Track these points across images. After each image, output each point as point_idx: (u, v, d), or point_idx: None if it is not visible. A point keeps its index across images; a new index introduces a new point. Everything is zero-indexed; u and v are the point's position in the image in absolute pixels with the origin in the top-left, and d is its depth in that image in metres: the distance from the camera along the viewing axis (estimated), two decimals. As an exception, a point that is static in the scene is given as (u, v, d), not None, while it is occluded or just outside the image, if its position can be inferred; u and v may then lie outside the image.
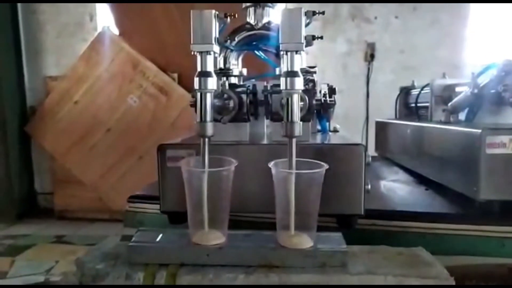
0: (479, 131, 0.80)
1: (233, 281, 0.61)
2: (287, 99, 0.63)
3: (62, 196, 3.15)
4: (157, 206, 0.83)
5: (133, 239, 0.66)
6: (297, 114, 0.63)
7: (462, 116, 1.08)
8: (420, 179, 1.13)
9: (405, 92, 1.55)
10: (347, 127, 1.36)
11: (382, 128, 1.57)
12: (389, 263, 0.64)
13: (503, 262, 0.85)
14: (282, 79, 0.62)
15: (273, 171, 0.65)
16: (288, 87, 0.61)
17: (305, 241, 0.63)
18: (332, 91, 0.87)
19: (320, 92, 0.89)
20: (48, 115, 3.10)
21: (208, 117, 0.65)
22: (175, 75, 2.93)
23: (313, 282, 0.60)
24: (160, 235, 0.67)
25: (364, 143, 0.82)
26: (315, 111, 0.89)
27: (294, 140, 0.64)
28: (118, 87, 2.95)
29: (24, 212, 3.19)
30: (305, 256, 0.63)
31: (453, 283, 0.59)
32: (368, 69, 3.05)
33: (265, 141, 0.85)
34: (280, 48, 0.63)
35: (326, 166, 0.63)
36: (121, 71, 2.96)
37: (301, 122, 0.64)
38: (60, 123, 3.05)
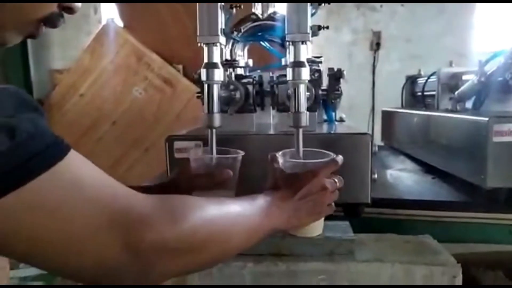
0: (486, 119, 0.80)
1: (242, 269, 0.62)
2: (294, 90, 0.63)
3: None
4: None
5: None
6: (303, 104, 0.63)
7: (469, 104, 1.07)
8: (427, 168, 1.13)
9: (411, 81, 1.54)
10: (353, 117, 1.36)
11: (388, 117, 1.57)
12: (396, 250, 0.65)
13: (510, 249, 0.86)
14: (289, 70, 0.62)
15: (280, 161, 0.65)
16: (295, 78, 0.61)
17: (314, 230, 0.64)
18: (337, 75, 0.86)
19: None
20: (55, 108, 3.12)
21: (215, 109, 0.65)
22: (180, 67, 2.93)
23: (321, 270, 0.60)
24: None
25: (370, 132, 0.82)
26: (321, 101, 0.90)
27: (300, 130, 0.64)
28: (123, 79, 2.96)
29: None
30: (313, 244, 0.63)
31: (460, 270, 0.60)
32: (374, 58, 3.02)
33: (271, 132, 0.86)
34: (286, 39, 0.63)
35: (333, 155, 0.63)
36: (126, 63, 2.96)
37: (307, 112, 0.64)
38: (67, 116, 3.07)
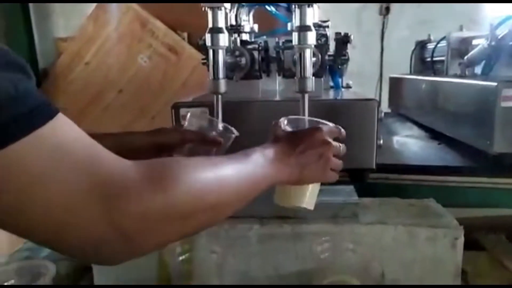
0: (495, 84, 0.79)
1: (247, 231, 0.64)
2: (300, 54, 0.62)
3: (79, 157, 3.23)
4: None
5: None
6: (309, 70, 0.63)
7: (478, 69, 1.06)
8: (434, 134, 1.13)
9: (420, 46, 1.51)
10: (360, 84, 1.34)
11: (396, 84, 1.55)
12: (399, 213, 0.66)
13: (512, 214, 0.87)
14: (294, 34, 0.61)
15: (283, 122, 0.64)
16: (300, 42, 0.61)
17: (299, 198, 0.56)
18: (344, 40, 0.85)
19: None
20: (60, 77, 3.11)
21: (221, 74, 0.65)
22: (185, 34, 2.89)
23: (324, 231, 0.62)
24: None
25: (377, 98, 0.82)
26: (327, 67, 0.89)
27: (306, 96, 0.64)
28: (128, 47, 2.93)
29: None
30: (318, 207, 0.65)
31: (462, 232, 0.61)
32: (383, 24, 2.94)
33: (277, 98, 0.85)
34: (292, 2, 0.62)
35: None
36: (129, 31, 2.93)
37: (313, 78, 0.64)
38: (73, 84, 3.07)
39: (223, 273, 0.63)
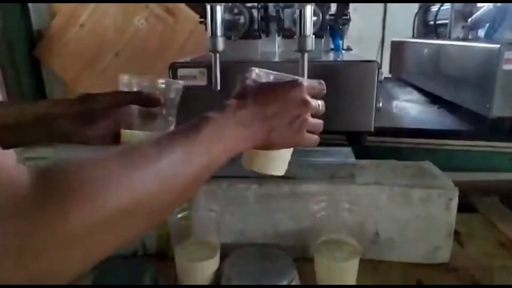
0: (498, 46, 0.78)
1: (246, 191, 0.65)
2: (300, 11, 0.61)
3: (77, 121, 3.22)
4: (171, 126, 0.85)
5: (151, 152, 0.69)
6: (309, 28, 0.62)
7: (482, 33, 1.04)
8: (434, 99, 1.12)
9: (424, 9, 1.47)
10: (361, 49, 1.32)
11: (398, 48, 1.53)
12: (396, 175, 0.67)
13: (508, 178, 0.88)
14: (295, -10, 0.60)
15: (255, 72, 0.51)
16: (301, -2, 0.59)
17: (272, 166, 0.50)
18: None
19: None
20: (55, 39, 3.04)
21: (219, 32, 0.64)
22: (182, -5, 2.81)
23: (321, 191, 0.63)
24: (176, 149, 0.70)
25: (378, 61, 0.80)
26: (328, 27, 0.87)
27: (306, 55, 0.63)
28: (124, 7, 2.85)
29: (42, 137, 3.29)
30: (315, 168, 0.65)
31: (457, 193, 0.62)
32: (386, -15, 2.86)
33: (276, 59, 0.84)
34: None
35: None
36: (125, -9, 2.84)
37: (313, 36, 0.62)
38: (68, 46, 3.01)
39: (221, 231, 0.65)
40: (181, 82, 0.56)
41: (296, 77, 0.48)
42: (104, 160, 0.30)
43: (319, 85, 0.49)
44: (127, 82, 0.56)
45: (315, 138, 0.48)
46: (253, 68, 0.48)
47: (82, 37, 3.11)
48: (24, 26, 3.24)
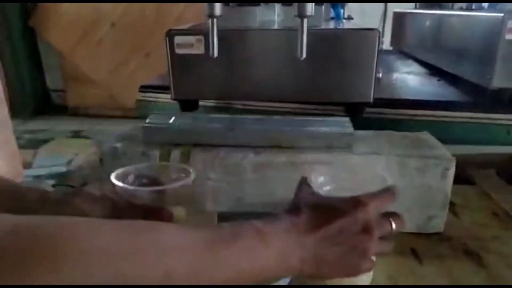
0: (501, 15, 0.76)
1: (243, 160, 0.64)
2: (300, -24, 0.59)
3: (74, 93, 3.20)
4: (169, 96, 0.84)
5: (147, 121, 0.68)
6: (310, -8, 0.60)
7: (485, 4, 1.02)
8: (434, 71, 1.11)
9: (428, -21, 1.44)
10: (363, 22, 1.30)
11: (400, 19, 1.50)
12: (393, 145, 0.66)
13: (506, 151, 0.88)
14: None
15: (314, 181, 0.52)
16: (301, -39, 0.57)
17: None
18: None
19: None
20: (51, 10, 2.98)
21: (217, -5, 0.62)
22: (179, -37, 2.73)
23: (318, 161, 0.63)
24: (173, 118, 0.70)
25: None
26: (328, -5, 0.85)
27: (305, 21, 0.62)
28: (120, -23, 2.78)
29: (39, 108, 3.26)
30: (313, 137, 0.65)
31: (454, 163, 0.62)
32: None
33: (275, 27, 0.82)
34: None
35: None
36: (121, -41, 2.76)
37: (313, 4, 0.61)
38: (64, 17, 2.95)
39: (218, 199, 0.65)
40: (191, 171, 0.49)
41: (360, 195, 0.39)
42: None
43: (387, 194, 0.41)
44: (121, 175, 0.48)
45: (372, 262, 0.39)
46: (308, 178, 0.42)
47: (78, 7, 3.05)
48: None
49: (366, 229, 0.37)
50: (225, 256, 0.31)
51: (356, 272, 0.38)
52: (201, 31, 0.76)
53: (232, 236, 0.33)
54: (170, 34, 0.78)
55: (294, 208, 0.39)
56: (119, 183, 0.46)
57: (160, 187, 0.48)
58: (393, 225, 0.40)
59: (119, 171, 0.49)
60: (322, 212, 0.37)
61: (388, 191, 0.42)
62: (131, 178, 0.49)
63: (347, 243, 0.36)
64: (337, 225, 0.36)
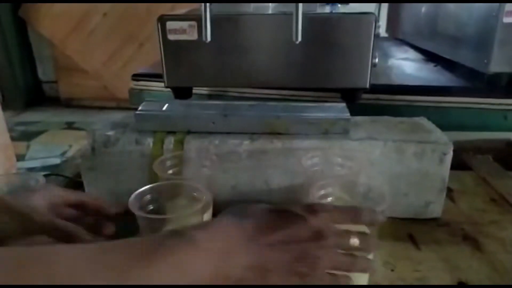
0: (499, -2, 0.75)
1: (238, 147, 0.63)
2: (294, -44, 0.57)
3: (67, 85, 3.16)
4: (162, 84, 0.83)
5: (140, 108, 0.67)
6: (304, -26, 0.58)
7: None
8: (431, 57, 1.10)
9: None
10: (359, 8, 1.27)
11: (395, 6, 1.48)
12: (390, 130, 0.66)
13: (503, 137, 0.88)
14: None
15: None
16: None
17: None
18: None
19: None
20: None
21: (209, -21, 0.60)
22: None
23: (315, 147, 0.62)
24: (166, 105, 0.68)
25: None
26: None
27: (300, 6, 0.60)
28: (112, -35, 2.73)
29: (31, 100, 3.23)
30: (309, 123, 0.64)
31: (451, 147, 0.61)
32: None
33: (269, 12, 0.81)
34: None
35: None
36: None
37: (309, -16, 0.59)
38: (55, 6, 2.90)
39: (214, 186, 0.64)
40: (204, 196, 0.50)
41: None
42: None
43: (351, 210, 0.39)
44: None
45: (326, 278, 0.35)
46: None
47: (68, -3, 2.98)
48: (7, -16, 3.09)
49: (316, 236, 0.35)
50: (140, 276, 0.28)
51: (306, 282, 0.34)
52: (194, 17, 0.74)
53: (151, 252, 0.29)
54: (162, 20, 0.76)
55: (242, 212, 0.37)
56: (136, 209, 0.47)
57: (169, 216, 0.50)
58: (354, 241, 0.37)
59: (136, 193, 0.50)
60: (272, 217, 0.36)
61: (353, 208, 0.41)
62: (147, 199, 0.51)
63: (296, 250, 0.34)
64: (286, 231, 0.34)
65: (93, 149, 0.64)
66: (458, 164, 0.70)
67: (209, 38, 0.63)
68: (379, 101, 0.85)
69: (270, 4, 0.88)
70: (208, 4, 0.62)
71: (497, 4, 0.75)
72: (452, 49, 0.96)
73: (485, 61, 0.79)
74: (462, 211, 0.68)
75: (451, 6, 0.99)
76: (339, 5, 0.97)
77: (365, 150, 0.62)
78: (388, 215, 0.64)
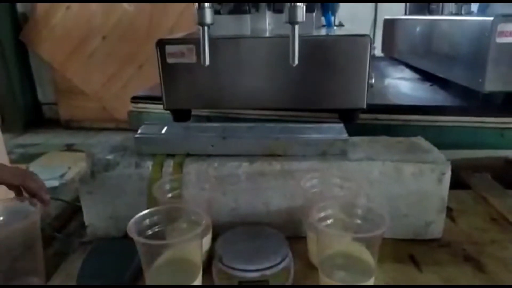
0: (491, 19, 0.76)
1: (237, 169, 0.63)
2: (290, -18, 0.59)
3: (67, 106, 3.18)
4: (161, 106, 0.83)
5: (139, 131, 0.67)
6: (300, -3, 0.59)
7: (475, 8, 1.03)
8: (426, 77, 1.11)
9: (416, -15, 1.45)
10: (353, 28, 1.30)
11: (390, 26, 1.51)
12: (388, 150, 0.66)
13: (500, 155, 0.88)
14: (284, -41, 0.57)
15: None
16: (291, -32, 0.57)
17: None
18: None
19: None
20: (41, 22, 2.98)
21: (206, 3, 0.61)
22: (171, -25, 2.75)
23: (314, 168, 0.62)
24: (165, 128, 0.69)
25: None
26: (319, 4, 0.85)
27: (297, 27, 0.61)
28: (111, -11, 2.79)
29: (30, 122, 3.24)
30: (307, 145, 0.64)
31: (449, 167, 0.61)
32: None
33: (267, 35, 0.82)
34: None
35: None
36: (112, -29, 2.77)
37: (304, 7, 0.60)
38: (55, 30, 2.95)
39: (213, 209, 0.64)
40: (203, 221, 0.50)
41: None
42: None
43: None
44: None
45: None
46: None
47: (69, 20, 3.05)
48: (9, 9, 3.16)
49: None
50: None
51: None
52: (192, 40, 0.75)
53: None
54: (161, 44, 0.77)
55: None
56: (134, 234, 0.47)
57: (168, 242, 0.52)
58: None
59: (135, 218, 0.50)
60: None
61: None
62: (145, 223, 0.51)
63: None
64: None
65: (92, 173, 0.63)
66: (456, 182, 0.70)
67: (207, 63, 0.64)
68: (376, 120, 0.86)
69: (267, 27, 0.89)
70: (206, 28, 0.63)
71: (490, 24, 0.77)
72: (447, 68, 0.98)
73: (480, 80, 0.80)
74: (462, 231, 0.68)
75: (445, 25, 1.01)
76: (335, 27, 0.99)
77: (364, 171, 0.62)
78: (389, 236, 0.64)
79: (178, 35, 0.86)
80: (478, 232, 0.67)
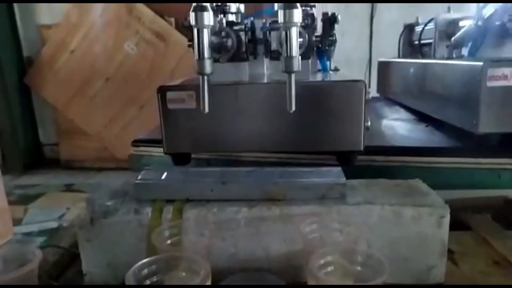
0: (481, 63, 0.79)
1: (236, 214, 0.64)
2: (285, 33, 0.61)
3: (68, 147, 3.20)
4: (161, 149, 0.84)
5: (139, 177, 0.68)
6: (295, 48, 0.62)
7: (465, 51, 1.06)
8: (422, 117, 1.14)
9: (408, 29, 1.51)
10: (350, 70, 1.34)
11: (384, 68, 1.55)
12: (386, 193, 0.66)
13: (499, 195, 0.88)
14: (280, 12, 0.60)
15: None
16: (286, 20, 0.60)
17: None
18: (331, 20, 0.84)
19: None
20: (46, 66, 3.06)
21: (206, 54, 0.64)
22: (172, 20, 2.85)
23: (313, 212, 0.62)
24: (165, 173, 0.69)
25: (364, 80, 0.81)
26: (315, 48, 0.88)
27: (293, 76, 0.63)
28: (114, 34, 2.88)
29: (31, 163, 3.25)
30: (306, 189, 0.65)
31: (448, 210, 0.62)
32: (372, 7, 2.94)
33: (265, 81, 0.85)
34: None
35: None
36: (115, 17, 2.88)
37: (300, 57, 0.63)
38: (59, 73, 3.02)
39: (213, 255, 0.63)
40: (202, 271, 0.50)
41: None
42: None
43: None
44: None
45: None
46: None
47: (73, 63, 3.14)
48: (15, 53, 3.25)
49: None
50: None
51: None
52: (192, 87, 0.78)
53: None
54: (162, 90, 0.80)
55: None
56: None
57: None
58: None
59: (134, 268, 0.50)
60: None
61: None
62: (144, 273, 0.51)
63: None
64: None
65: (91, 220, 0.64)
66: (456, 223, 0.70)
67: (207, 110, 0.66)
68: (374, 162, 0.87)
69: (265, 72, 0.92)
70: (205, 77, 0.66)
71: (480, 68, 0.80)
72: (442, 110, 1.00)
73: (474, 122, 0.81)
74: (465, 275, 0.67)
75: (438, 68, 1.04)
76: (330, 71, 1.02)
77: (363, 215, 0.63)
78: (390, 281, 0.63)
79: (178, 81, 0.89)
80: (481, 276, 0.66)
